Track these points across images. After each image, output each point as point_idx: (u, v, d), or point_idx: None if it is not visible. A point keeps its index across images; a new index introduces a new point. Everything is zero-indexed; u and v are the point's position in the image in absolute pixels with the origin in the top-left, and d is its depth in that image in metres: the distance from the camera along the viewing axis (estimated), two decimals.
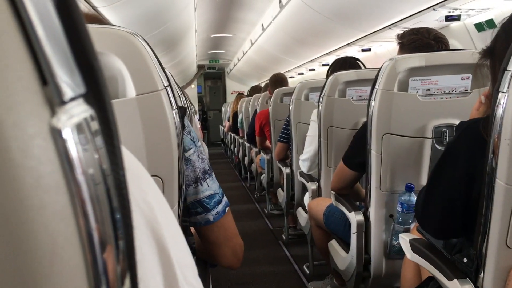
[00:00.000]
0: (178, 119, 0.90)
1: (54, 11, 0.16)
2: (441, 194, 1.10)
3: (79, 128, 0.16)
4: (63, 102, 0.16)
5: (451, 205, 1.08)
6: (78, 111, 0.17)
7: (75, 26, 0.17)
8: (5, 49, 0.14)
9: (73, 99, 0.16)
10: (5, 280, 0.14)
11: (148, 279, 0.28)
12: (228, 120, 7.61)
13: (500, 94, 0.89)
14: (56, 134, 0.15)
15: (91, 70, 0.17)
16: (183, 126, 0.99)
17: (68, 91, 0.16)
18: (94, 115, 0.18)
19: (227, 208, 1.05)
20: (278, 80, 3.92)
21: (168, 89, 0.89)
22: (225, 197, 1.06)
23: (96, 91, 0.18)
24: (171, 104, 0.88)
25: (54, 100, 0.15)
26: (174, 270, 0.32)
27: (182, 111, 1.00)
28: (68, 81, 0.16)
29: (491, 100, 0.98)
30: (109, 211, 0.18)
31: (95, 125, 0.17)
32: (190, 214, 1.04)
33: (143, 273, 0.27)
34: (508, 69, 0.88)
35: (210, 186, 1.03)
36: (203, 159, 1.04)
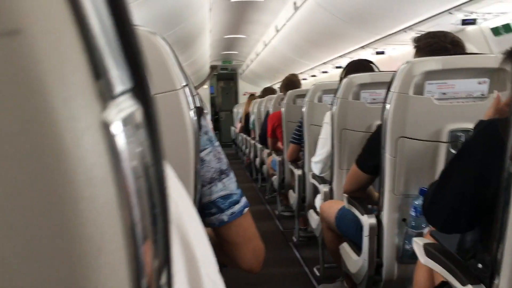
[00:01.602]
0: (195, 118, 0.91)
1: (106, 7, 0.16)
2: (452, 188, 1.10)
3: (126, 122, 0.17)
4: (113, 97, 0.16)
5: (460, 200, 1.08)
6: (125, 106, 0.17)
7: (124, 22, 0.17)
8: (62, 42, 0.14)
9: (121, 93, 0.17)
10: (56, 270, 0.14)
11: (174, 274, 0.29)
12: (240, 121, 7.62)
13: None
14: (106, 128, 0.16)
15: (138, 66, 0.18)
16: (199, 126, 0.99)
17: (117, 86, 0.16)
18: (139, 110, 0.18)
19: (245, 209, 1.02)
20: (290, 83, 3.95)
21: (186, 88, 0.89)
22: (244, 197, 1.04)
23: (142, 86, 0.18)
24: (188, 104, 0.88)
25: (106, 95, 0.16)
26: (197, 266, 0.32)
27: (199, 111, 0.99)
28: (117, 76, 0.17)
29: (510, 103, 0.97)
30: (149, 205, 0.18)
31: (140, 120, 0.18)
32: (205, 215, 1.02)
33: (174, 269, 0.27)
34: None
35: (227, 186, 1.01)
36: (220, 159, 1.02)
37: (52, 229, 0.14)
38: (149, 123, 0.19)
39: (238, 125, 7.96)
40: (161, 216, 0.19)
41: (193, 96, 0.93)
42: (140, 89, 0.18)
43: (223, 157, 1.04)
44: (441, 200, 1.13)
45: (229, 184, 1.02)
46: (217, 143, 1.03)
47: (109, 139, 0.16)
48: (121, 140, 0.16)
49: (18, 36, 0.13)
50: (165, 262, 0.20)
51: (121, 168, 0.16)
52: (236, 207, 1.01)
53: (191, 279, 0.31)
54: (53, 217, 0.14)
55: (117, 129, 0.16)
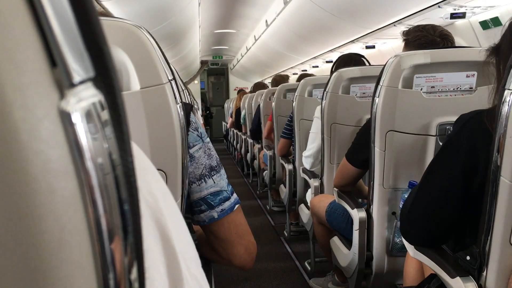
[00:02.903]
0: (182, 113, 0.90)
1: None
2: (437, 189, 1.08)
3: (88, 112, 0.16)
4: (72, 85, 0.15)
5: (446, 201, 1.07)
6: (87, 95, 0.16)
7: (84, 8, 0.16)
8: (12, 29, 0.13)
9: (82, 82, 0.16)
10: (12, 264, 0.14)
11: (153, 270, 0.28)
12: (231, 116, 7.62)
13: (506, 92, 0.88)
14: (65, 117, 0.15)
15: (101, 54, 0.17)
16: (188, 122, 0.98)
17: (77, 74, 0.16)
18: (103, 100, 0.17)
19: (236, 206, 1.01)
20: (280, 78, 4.32)
21: (173, 82, 0.88)
22: (234, 194, 1.03)
23: (105, 75, 0.18)
24: (175, 98, 0.88)
25: (63, 83, 0.15)
26: (178, 261, 0.32)
27: (188, 108, 0.98)
28: (77, 64, 0.16)
29: (495, 97, 0.97)
30: (117, 199, 0.17)
31: (103, 110, 0.17)
32: (194, 212, 1.01)
33: (148, 263, 0.26)
34: None
35: (216, 183, 1.00)
36: (210, 156, 1.01)
37: (8, 222, 0.14)
38: (115, 113, 0.18)
39: (229, 120, 7.96)
40: (131, 210, 0.19)
41: (179, 91, 0.92)
42: (104, 79, 0.17)
43: (214, 154, 1.03)
44: (424, 205, 1.11)
45: (219, 181, 1.01)
46: (207, 140, 1.02)
47: (68, 128, 0.15)
48: (82, 131, 0.15)
49: None
50: (136, 256, 0.19)
51: (83, 160, 0.15)
52: (226, 204, 1.00)
53: (171, 274, 0.31)
54: (8, 209, 0.13)
55: (78, 119, 0.15)
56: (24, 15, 0.14)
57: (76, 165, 0.15)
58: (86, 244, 0.16)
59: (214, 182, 1.00)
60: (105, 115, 0.17)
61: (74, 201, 0.15)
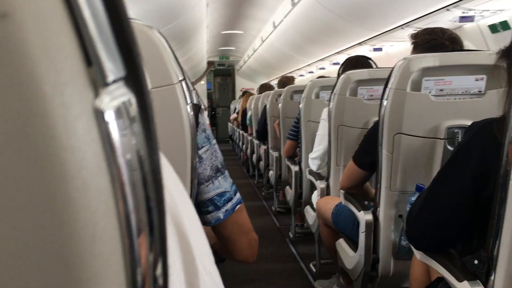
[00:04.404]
0: (192, 113, 0.90)
1: None
2: (446, 197, 1.08)
3: (119, 110, 0.16)
4: (106, 84, 0.16)
5: (455, 209, 1.06)
6: (119, 94, 0.17)
7: (117, 9, 0.17)
8: (52, 29, 0.14)
9: (114, 81, 0.16)
10: (47, 260, 0.14)
11: (169, 265, 0.28)
12: (237, 113, 7.66)
13: None
14: (99, 115, 0.15)
15: (131, 54, 0.18)
16: (197, 123, 0.99)
17: (110, 73, 0.16)
18: (133, 99, 0.18)
19: (238, 206, 1.04)
20: (285, 79, 4.40)
21: (183, 83, 0.89)
22: (237, 194, 1.05)
23: (135, 75, 0.18)
24: (185, 98, 0.88)
25: (98, 81, 0.15)
26: (193, 257, 0.32)
27: (197, 109, 0.99)
28: (110, 63, 0.16)
29: (506, 101, 0.97)
30: (144, 195, 0.18)
31: (133, 108, 0.18)
32: (201, 212, 1.03)
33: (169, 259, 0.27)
34: None
35: (221, 184, 1.02)
36: (217, 157, 1.03)
37: (44, 218, 0.14)
38: (143, 112, 0.18)
39: (233, 117, 8.04)
40: (156, 208, 0.19)
41: (189, 91, 0.93)
42: (134, 78, 0.18)
43: (219, 155, 1.05)
44: (432, 212, 1.10)
45: (224, 182, 1.03)
46: (214, 141, 1.04)
47: (102, 126, 0.15)
48: (114, 128, 0.16)
49: (6, 20, 0.13)
50: (161, 253, 0.20)
51: (115, 157, 0.16)
52: (229, 205, 1.03)
53: (187, 270, 0.31)
54: (45, 205, 0.14)
55: (110, 117, 0.16)
56: (62, 16, 0.14)
57: (109, 162, 0.15)
58: (116, 239, 0.16)
59: (220, 183, 1.02)
60: (135, 113, 0.18)
61: (106, 197, 0.15)
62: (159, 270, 0.19)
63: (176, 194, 0.32)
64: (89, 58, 0.15)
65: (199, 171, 0.99)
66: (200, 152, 1.00)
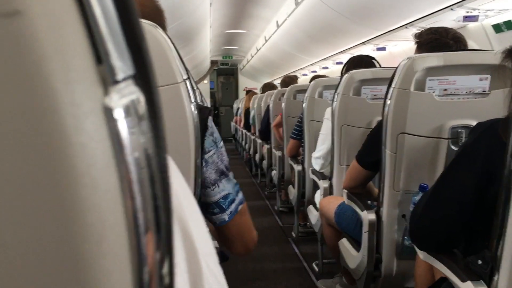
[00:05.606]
0: (196, 112, 0.91)
1: None
2: (450, 197, 1.08)
3: (128, 108, 0.16)
4: (115, 82, 0.16)
5: (459, 209, 1.06)
6: (128, 92, 0.17)
7: (127, 7, 0.17)
8: (63, 27, 0.14)
9: (124, 79, 0.16)
10: (56, 255, 0.14)
11: (175, 265, 0.29)
12: (239, 115, 7.67)
13: None
14: (108, 113, 0.15)
15: (140, 52, 0.18)
16: (206, 127, 1.00)
17: (120, 71, 0.16)
18: (142, 97, 0.18)
19: (240, 206, 1.06)
20: (289, 79, 4.42)
21: (187, 82, 0.89)
22: (239, 194, 1.08)
23: (144, 73, 0.18)
24: (189, 97, 0.88)
25: (107, 79, 0.15)
26: (197, 257, 0.32)
27: (207, 112, 1.01)
28: (120, 61, 0.16)
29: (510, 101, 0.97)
30: (151, 194, 0.18)
31: (142, 106, 0.18)
32: (207, 213, 1.06)
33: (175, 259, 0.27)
34: None
35: (225, 187, 1.05)
36: (223, 160, 1.05)
37: (53, 215, 0.14)
38: (152, 110, 0.18)
39: (237, 119, 8.07)
40: (163, 207, 0.19)
41: (194, 90, 0.93)
42: (143, 76, 0.18)
43: (225, 158, 1.07)
44: (437, 211, 1.10)
45: (227, 184, 1.05)
46: (221, 144, 1.06)
47: (111, 124, 0.15)
48: (123, 126, 0.16)
49: (18, 17, 0.13)
50: (167, 251, 0.20)
51: (123, 155, 0.16)
52: (233, 206, 1.05)
53: (192, 269, 0.31)
54: (54, 202, 0.14)
55: (120, 114, 0.16)
56: (74, 14, 0.14)
57: (118, 160, 0.15)
58: (124, 238, 0.16)
59: (224, 186, 1.04)
60: (143, 111, 0.18)
61: (115, 195, 0.15)
62: (165, 269, 0.19)
63: (181, 194, 0.33)
64: (99, 56, 0.15)
65: (205, 175, 1.01)
66: (206, 156, 1.01)
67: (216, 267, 0.36)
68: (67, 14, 0.14)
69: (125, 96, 0.16)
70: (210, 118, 1.03)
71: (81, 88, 0.14)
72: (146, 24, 0.84)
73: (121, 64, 0.16)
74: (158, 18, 1.15)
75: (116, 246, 0.15)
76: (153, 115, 0.18)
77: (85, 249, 0.14)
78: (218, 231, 1.09)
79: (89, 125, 0.14)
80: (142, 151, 0.17)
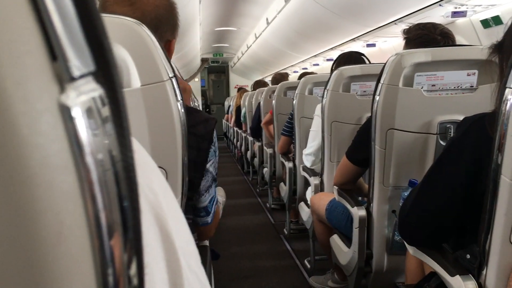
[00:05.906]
0: (182, 110, 0.90)
1: None
2: (439, 192, 1.08)
3: (88, 107, 0.16)
4: (72, 79, 0.15)
5: (448, 204, 1.07)
6: (87, 89, 0.16)
7: (86, 2, 0.16)
8: (13, 22, 0.13)
9: (82, 76, 0.16)
10: (10, 258, 0.14)
11: (152, 265, 0.28)
12: (231, 114, 7.66)
13: (507, 90, 0.88)
14: (64, 112, 0.15)
15: (101, 48, 0.17)
16: (212, 139, 1.05)
17: (77, 68, 0.16)
18: (104, 95, 0.17)
19: (215, 205, 1.14)
20: (279, 76, 4.47)
21: (173, 80, 0.88)
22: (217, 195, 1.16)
23: (106, 70, 0.17)
24: (176, 95, 0.88)
25: (63, 76, 0.15)
26: (177, 256, 0.32)
27: (213, 123, 1.04)
28: (77, 57, 0.16)
29: (497, 96, 0.97)
30: (117, 195, 0.17)
31: (103, 104, 0.17)
32: (195, 215, 1.11)
33: (147, 259, 0.26)
34: None
35: (213, 190, 1.11)
36: (216, 168, 1.11)
37: (6, 216, 0.13)
38: (116, 108, 0.18)
39: (227, 117, 8.09)
40: (131, 207, 0.19)
41: (180, 88, 0.92)
42: (105, 73, 0.17)
43: (217, 164, 1.13)
44: (425, 206, 1.11)
45: (215, 188, 1.12)
46: (217, 152, 1.12)
47: (68, 123, 0.15)
48: (82, 125, 0.15)
49: None
50: (135, 252, 0.19)
51: (83, 155, 0.15)
52: (213, 207, 1.13)
53: (171, 269, 0.31)
54: (7, 203, 0.13)
55: (78, 113, 0.15)
56: (25, 8, 0.14)
57: (76, 160, 0.15)
58: (85, 239, 0.15)
59: (213, 190, 1.11)
60: (106, 109, 0.17)
61: (73, 196, 0.15)
62: (133, 270, 0.19)
63: (161, 193, 0.32)
64: (54, 52, 0.15)
65: (203, 183, 1.07)
66: (207, 165, 1.06)
67: (197, 266, 0.36)
68: (17, 8, 0.14)
69: (84, 94, 0.16)
70: (215, 130, 1.08)
71: (34, 85, 0.14)
72: (130, 22, 0.83)
73: (79, 61, 0.16)
74: (170, 11, 1.20)
75: (76, 247, 0.15)
76: (117, 112, 0.18)
77: (42, 250, 0.14)
78: (198, 229, 1.14)
79: (43, 123, 0.14)
80: (104, 150, 0.16)
